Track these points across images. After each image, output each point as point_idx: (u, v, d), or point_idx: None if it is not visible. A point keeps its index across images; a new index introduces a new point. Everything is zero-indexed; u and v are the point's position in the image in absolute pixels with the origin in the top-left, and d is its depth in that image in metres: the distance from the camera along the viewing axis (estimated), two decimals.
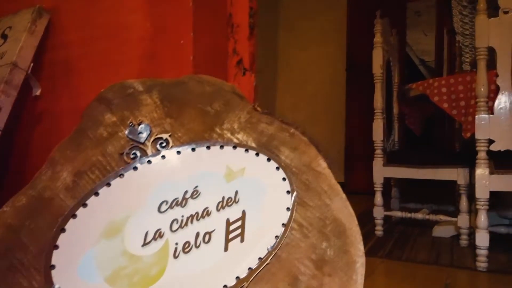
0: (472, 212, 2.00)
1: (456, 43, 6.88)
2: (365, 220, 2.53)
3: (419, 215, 2.15)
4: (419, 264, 1.75)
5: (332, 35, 4.39)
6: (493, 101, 1.65)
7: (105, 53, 1.09)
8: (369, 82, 2.32)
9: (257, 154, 0.77)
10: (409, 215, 2.17)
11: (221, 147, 0.75)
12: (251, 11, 0.95)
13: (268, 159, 0.77)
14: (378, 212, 2.22)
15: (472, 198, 1.92)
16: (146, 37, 0.95)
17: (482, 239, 1.65)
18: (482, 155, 1.65)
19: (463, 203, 2.01)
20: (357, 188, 3.97)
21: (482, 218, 1.65)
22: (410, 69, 8.15)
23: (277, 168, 0.76)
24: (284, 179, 0.74)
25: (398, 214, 2.22)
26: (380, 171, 2.20)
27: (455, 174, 2.02)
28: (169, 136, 0.74)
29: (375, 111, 2.22)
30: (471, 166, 1.91)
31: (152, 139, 0.74)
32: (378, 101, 2.22)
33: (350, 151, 4.11)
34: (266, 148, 0.79)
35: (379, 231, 2.23)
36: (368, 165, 2.24)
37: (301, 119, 4.56)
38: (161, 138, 0.74)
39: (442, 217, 2.08)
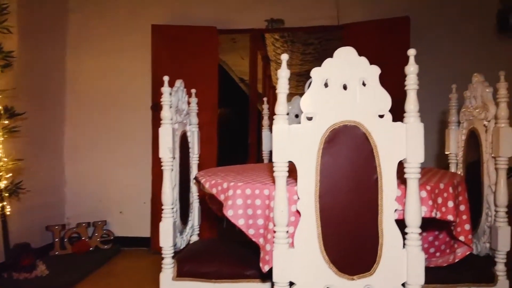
0: None
1: (270, 67, 7.19)
2: None
3: None
4: None
5: (137, 56, 3.73)
6: (295, 228, 1.30)
7: None
8: None
9: None
10: None
11: None
12: None
13: None
14: None
15: None
16: None
17: None
18: None
19: None
20: None
21: None
22: (232, 85, 8.26)
23: None
24: None
25: None
26: None
27: None
28: None
29: (163, 208, 1.71)
30: None
31: None
32: (167, 194, 1.72)
33: (158, 201, 3.52)
34: None
35: None
36: None
37: (92, 161, 3.75)
38: None
39: None
